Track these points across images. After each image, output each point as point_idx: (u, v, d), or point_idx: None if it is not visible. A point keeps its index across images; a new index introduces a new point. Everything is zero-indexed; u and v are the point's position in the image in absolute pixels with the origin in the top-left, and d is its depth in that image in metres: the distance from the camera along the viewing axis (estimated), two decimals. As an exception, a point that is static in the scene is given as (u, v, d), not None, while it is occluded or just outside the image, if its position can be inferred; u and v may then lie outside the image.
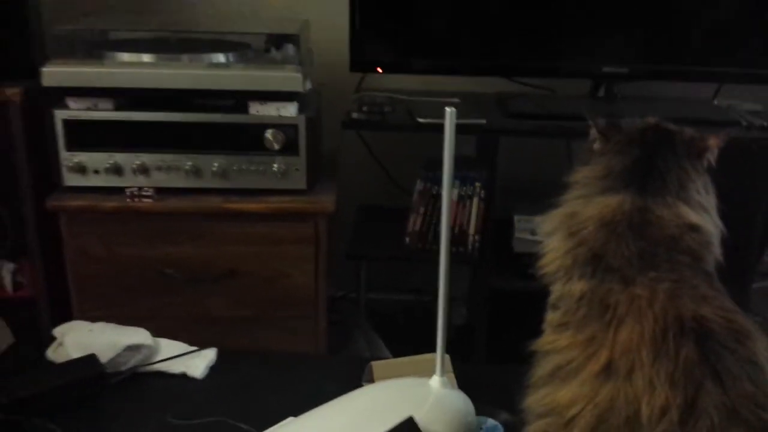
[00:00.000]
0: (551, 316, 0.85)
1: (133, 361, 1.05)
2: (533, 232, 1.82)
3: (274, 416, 0.89)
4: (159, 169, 1.56)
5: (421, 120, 1.72)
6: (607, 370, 0.73)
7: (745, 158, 1.76)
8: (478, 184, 1.78)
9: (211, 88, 1.53)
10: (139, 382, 1.04)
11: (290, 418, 0.88)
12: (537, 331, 0.85)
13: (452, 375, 0.92)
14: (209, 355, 1.09)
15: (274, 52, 1.67)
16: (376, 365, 1.00)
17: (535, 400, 0.79)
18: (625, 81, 1.89)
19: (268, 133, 1.55)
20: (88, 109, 1.53)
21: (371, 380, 0.98)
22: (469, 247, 1.79)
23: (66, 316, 1.52)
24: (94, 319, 1.14)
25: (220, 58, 1.59)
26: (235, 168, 1.57)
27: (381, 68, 1.83)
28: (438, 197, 1.77)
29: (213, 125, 1.56)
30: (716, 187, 0.92)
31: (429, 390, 0.80)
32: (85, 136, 1.54)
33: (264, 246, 1.59)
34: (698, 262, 0.82)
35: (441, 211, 1.71)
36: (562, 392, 0.75)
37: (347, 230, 1.93)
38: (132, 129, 1.55)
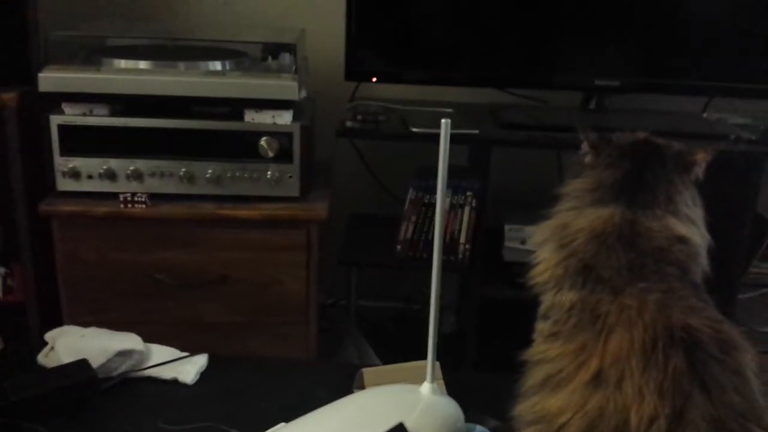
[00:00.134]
0: (542, 326, 0.86)
1: (125, 366, 1.05)
2: (523, 242, 1.83)
3: (265, 422, 0.89)
4: (153, 175, 1.57)
5: (414, 129, 1.73)
6: (597, 378, 0.74)
7: (733, 171, 1.78)
8: (469, 194, 1.79)
9: (206, 96, 1.53)
10: (131, 387, 1.04)
11: (281, 424, 0.88)
12: (526, 340, 0.86)
13: (442, 382, 0.93)
14: (200, 361, 1.09)
15: (270, 61, 1.68)
16: (367, 372, 1.00)
17: (525, 407, 0.80)
18: (616, 94, 1.92)
19: (263, 141, 1.56)
20: (84, 114, 1.54)
21: (362, 387, 0.99)
22: (460, 255, 1.80)
23: (56, 321, 1.52)
24: (85, 324, 1.14)
25: (217, 66, 1.60)
26: (229, 175, 1.58)
27: (376, 78, 1.84)
28: (429, 206, 1.78)
29: (208, 132, 1.57)
30: (704, 199, 0.93)
31: (419, 396, 0.81)
32: (79, 141, 1.54)
33: (256, 252, 1.60)
34: (686, 274, 0.83)
35: (432, 219, 1.72)
36: (552, 400, 0.76)
37: (339, 237, 1.93)
38: (127, 135, 1.55)
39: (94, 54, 1.61)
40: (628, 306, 0.77)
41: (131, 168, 1.55)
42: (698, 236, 0.88)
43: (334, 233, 1.93)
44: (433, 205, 1.76)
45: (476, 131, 1.74)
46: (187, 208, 1.57)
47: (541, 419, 0.77)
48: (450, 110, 1.89)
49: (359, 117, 1.77)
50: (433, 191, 1.72)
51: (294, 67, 1.60)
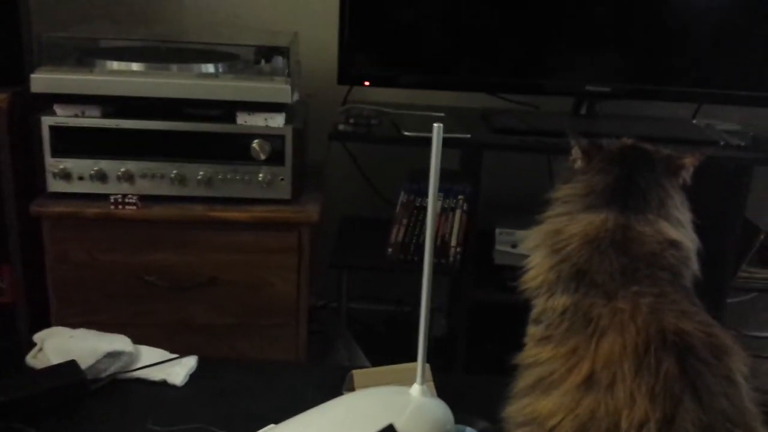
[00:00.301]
0: (533, 330, 0.86)
1: (114, 367, 1.05)
2: (514, 245, 1.84)
3: (254, 424, 0.89)
4: (144, 176, 1.56)
5: (407, 133, 1.74)
6: (589, 381, 0.74)
7: (722, 176, 1.80)
8: (461, 197, 1.80)
9: (199, 98, 1.53)
10: (120, 388, 1.04)
11: (271, 426, 0.88)
12: (516, 343, 0.86)
13: (432, 384, 0.93)
14: (189, 363, 1.09)
15: (263, 64, 1.68)
16: (357, 374, 1.00)
17: (515, 409, 0.80)
18: (607, 99, 1.93)
19: (255, 143, 1.56)
20: (76, 116, 1.53)
21: (352, 389, 0.99)
22: (451, 258, 1.80)
23: (45, 323, 1.52)
24: (73, 325, 1.13)
25: (210, 68, 1.60)
26: (220, 177, 1.58)
27: (368, 81, 1.84)
28: (421, 209, 1.78)
29: (200, 134, 1.56)
30: (693, 204, 0.94)
31: (409, 398, 0.81)
32: (71, 142, 1.54)
33: (247, 255, 1.59)
34: (678, 278, 0.84)
35: (424, 222, 1.72)
36: (544, 402, 0.76)
37: (330, 240, 1.93)
38: (118, 137, 1.55)
39: (86, 55, 1.61)
40: (621, 310, 0.77)
41: (122, 169, 1.55)
42: (689, 240, 0.89)
43: (326, 236, 1.93)
44: (425, 209, 1.76)
45: (468, 135, 1.75)
46: (178, 209, 1.57)
47: (531, 421, 0.77)
48: (442, 114, 1.90)
49: (352, 120, 1.78)
50: (425, 194, 1.73)
51: (287, 71, 1.60)
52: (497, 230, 1.86)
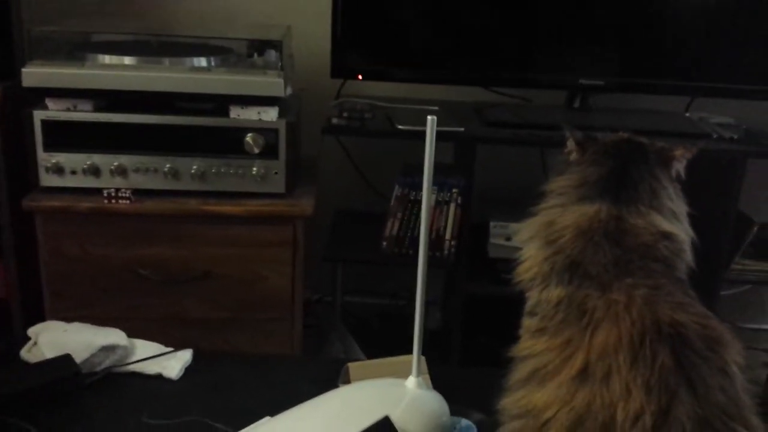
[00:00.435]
0: (528, 323, 0.86)
1: (108, 361, 1.05)
2: (508, 238, 1.84)
3: (249, 417, 0.89)
4: (137, 170, 1.56)
5: (400, 127, 1.74)
6: (584, 373, 0.74)
7: (715, 169, 1.80)
8: (455, 191, 1.80)
9: (192, 92, 1.53)
10: (115, 382, 1.04)
11: (266, 418, 0.89)
12: (511, 335, 0.87)
13: (427, 376, 0.93)
14: (185, 356, 1.09)
15: (256, 58, 1.67)
16: (353, 366, 1.01)
17: (510, 401, 0.80)
18: (600, 93, 1.93)
19: (249, 137, 1.55)
20: (67, 110, 1.53)
21: (347, 381, 0.99)
22: (445, 251, 1.80)
23: (39, 317, 1.51)
24: (67, 319, 1.13)
25: (202, 62, 1.59)
26: (214, 171, 1.57)
27: (362, 75, 1.84)
28: (415, 202, 1.78)
29: (193, 128, 1.56)
30: (687, 196, 0.95)
31: (405, 390, 0.81)
32: (63, 136, 1.53)
33: (241, 248, 1.59)
34: (672, 270, 0.84)
35: (418, 216, 1.72)
36: (539, 394, 0.76)
37: (324, 233, 1.93)
38: (111, 130, 1.54)
39: (78, 49, 1.60)
40: (616, 301, 0.77)
41: (115, 163, 1.55)
42: (683, 232, 0.89)
43: (320, 229, 1.93)
44: (419, 202, 1.76)
45: (462, 129, 1.75)
46: (171, 203, 1.56)
47: (526, 413, 0.77)
48: (436, 108, 1.90)
49: (345, 114, 1.77)
50: (419, 188, 1.73)
51: (280, 64, 1.60)
52: (491, 223, 1.87)
